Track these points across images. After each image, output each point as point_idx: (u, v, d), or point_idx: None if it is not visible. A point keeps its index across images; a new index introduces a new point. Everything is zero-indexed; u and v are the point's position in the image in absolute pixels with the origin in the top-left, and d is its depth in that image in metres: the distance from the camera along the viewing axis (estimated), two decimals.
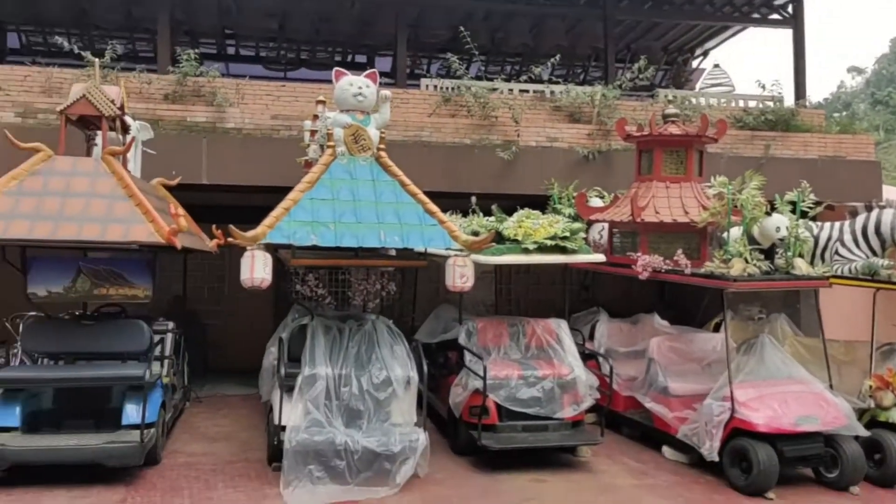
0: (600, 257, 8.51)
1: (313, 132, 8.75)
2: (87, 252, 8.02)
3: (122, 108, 7.98)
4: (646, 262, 8.26)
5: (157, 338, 7.79)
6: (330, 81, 7.55)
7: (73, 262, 7.54)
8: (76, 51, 10.48)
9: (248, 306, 12.65)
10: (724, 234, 8.02)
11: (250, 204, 10.49)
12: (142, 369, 7.01)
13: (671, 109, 9.30)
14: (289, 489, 6.56)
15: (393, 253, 8.06)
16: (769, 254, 8.09)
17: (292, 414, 6.96)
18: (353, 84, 7.25)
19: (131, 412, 6.98)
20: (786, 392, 7.34)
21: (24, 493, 6.47)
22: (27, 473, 6.73)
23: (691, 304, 11.03)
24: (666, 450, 8.19)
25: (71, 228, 6.39)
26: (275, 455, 7.14)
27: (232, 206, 10.85)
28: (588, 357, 8.67)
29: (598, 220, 9.40)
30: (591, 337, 9.79)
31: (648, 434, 8.60)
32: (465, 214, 9.11)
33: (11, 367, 8.30)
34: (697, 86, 15.57)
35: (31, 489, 6.53)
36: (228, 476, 7.13)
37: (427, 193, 7.30)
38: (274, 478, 6.94)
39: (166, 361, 8.24)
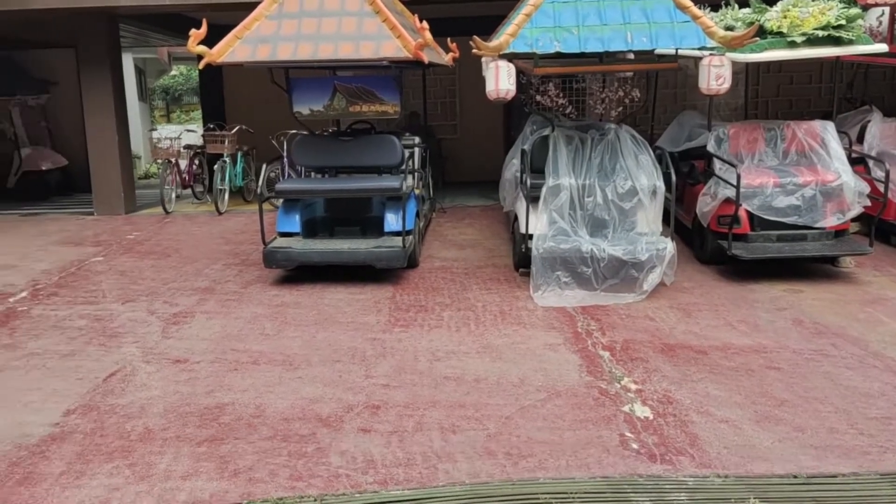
0: (882, 47, 7.37)
1: None
2: (335, 71, 8.41)
3: None
4: None
5: (406, 152, 8.18)
6: None
7: (329, 81, 7.96)
8: None
9: (480, 120, 12.90)
10: None
11: (480, 14, 10.35)
12: (398, 181, 7.46)
13: None
14: (538, 292, 6.86)
15: (631, 56, 7.58)
16: None
17: (538, 223, 7.10)
18: None
19: (392, 220, 7.58)
20: None
21: (311, 288, 7.34)
22: (307, 274, 7.63)
23: None
24: None
25: (328, 48, 6.65)
26: (521, 261, 7.45)
27: (461, 16, 10.75)
28: (856, 161, 7.84)
29: (877, 4, 8.07)
30: (860, 139, 8.79)
31: None
32: (715, 8, 8.24)
33: (288, 179, 9.24)
34: None
35: (315, 286, 7.39)
36: (480, 279, 7.59)
37: None
38: (522, 282, 7.30)
39: (416, 174, 8.67)
